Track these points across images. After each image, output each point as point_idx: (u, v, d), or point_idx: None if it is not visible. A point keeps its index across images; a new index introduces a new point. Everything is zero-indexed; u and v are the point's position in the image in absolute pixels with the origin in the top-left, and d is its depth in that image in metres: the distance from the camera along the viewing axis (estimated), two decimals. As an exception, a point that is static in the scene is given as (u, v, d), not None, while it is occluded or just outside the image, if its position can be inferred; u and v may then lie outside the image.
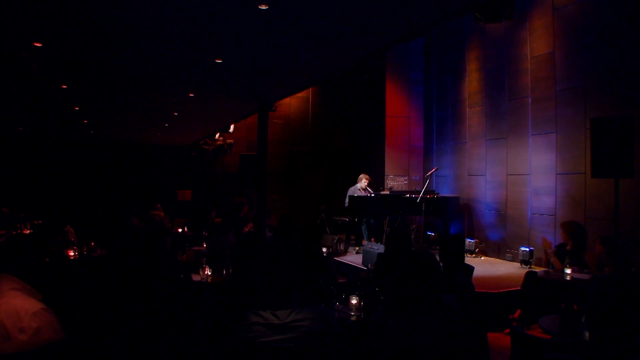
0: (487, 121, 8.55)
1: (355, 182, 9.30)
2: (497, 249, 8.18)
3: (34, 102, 8.28)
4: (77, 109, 8.86)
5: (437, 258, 2.51)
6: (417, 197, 7.86)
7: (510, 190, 7.96)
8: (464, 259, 3.71)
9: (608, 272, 4.53)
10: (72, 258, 5.74)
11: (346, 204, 9.32)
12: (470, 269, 4.31)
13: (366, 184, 9.12)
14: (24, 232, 7.25)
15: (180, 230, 8.11)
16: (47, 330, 2.23)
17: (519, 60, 7.75)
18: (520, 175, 7.73)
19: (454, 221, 8.50)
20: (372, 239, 8.95)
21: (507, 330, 4.74)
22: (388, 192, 9.11)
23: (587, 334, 2.75)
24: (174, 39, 4.77)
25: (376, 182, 10.36)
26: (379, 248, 6.86)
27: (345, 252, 8.58)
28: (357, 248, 8.80)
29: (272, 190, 11.05)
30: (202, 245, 6.70)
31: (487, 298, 5.38)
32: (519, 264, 7.26)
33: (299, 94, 11.79)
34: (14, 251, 2.43)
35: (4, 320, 2.18)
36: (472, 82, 8.96)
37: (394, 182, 10.31)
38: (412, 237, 8.38)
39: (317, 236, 4.60)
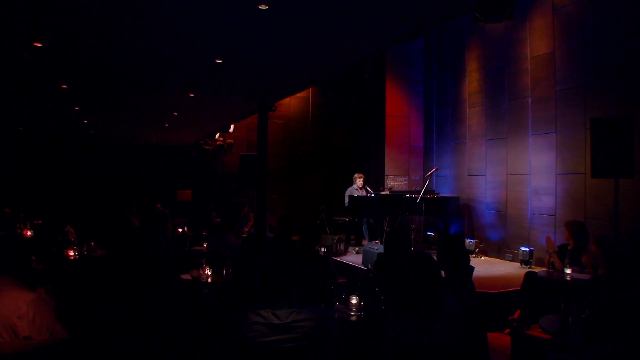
0: (487, 121, 8.54)
1: (352, 183, 9.29)
2: (497, 249, 8.17)
3: (34, 102, 8.29)
4: (77, 109, 8.87)
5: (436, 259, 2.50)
6: (417, 197, 7.86)
7: (510, 190, 7.96)
8: (469, 259, 3.70)
9: (601, 272, 4.51)
10: (72, 258, 5.73)
11: (346, 204, 9.33)
12: (470, 269, 4.30)
13: (361, 182, 9.12)
14: (24, 232, 7.24)
15: (180, 230, 8.10)
16: (45, 317, 2.37)
17: (519, 60, 7.75)
18: (520, 175, 7.73)
19: (454, 221, 8.50)
20: (377, 240, 8.95)
21: (507, 330, 4.73)
22: (388, 192, 9.10)
23: (586, 334, 2.75)
24: (174, 39, 4.78)
25: (376, 182, 10.36)
26: (379, 248, 6.85)
27: (345, 252, 8.58)
28: (357, 248, 8.80)
29: (272, 190, 11.06)
30: (202, 245, 6.69)
31: (487, 298, 5.37)
32: (519, 264, 7.26)
33: (299, 94, 11.79)
34: (5, 252, 2.50)
35: (3, 311, 2.28)
36: (472, 82, 8.96)
37: (394, 182, 10.31)
38: (412, 237, 8.38)
39: (316, 236, 4.60)
